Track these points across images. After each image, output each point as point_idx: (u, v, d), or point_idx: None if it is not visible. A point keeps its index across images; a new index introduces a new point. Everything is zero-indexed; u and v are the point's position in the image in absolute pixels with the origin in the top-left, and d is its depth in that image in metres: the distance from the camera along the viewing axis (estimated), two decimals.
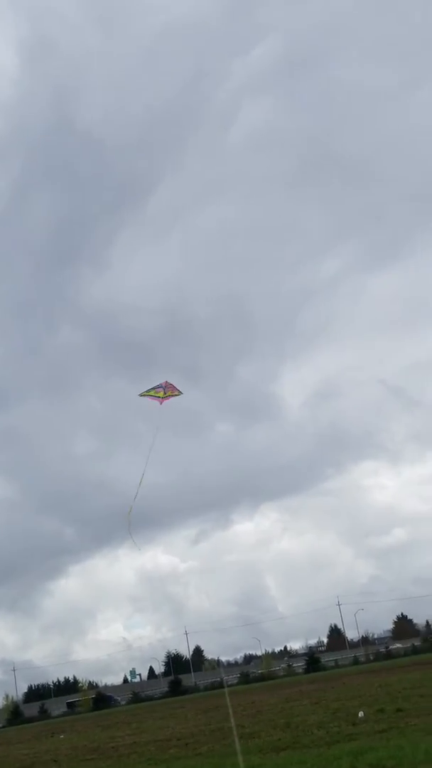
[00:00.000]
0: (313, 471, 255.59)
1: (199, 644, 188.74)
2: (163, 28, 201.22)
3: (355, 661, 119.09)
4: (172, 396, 24.06)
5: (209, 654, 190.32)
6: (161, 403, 23.59)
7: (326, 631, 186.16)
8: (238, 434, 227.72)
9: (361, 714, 25.67)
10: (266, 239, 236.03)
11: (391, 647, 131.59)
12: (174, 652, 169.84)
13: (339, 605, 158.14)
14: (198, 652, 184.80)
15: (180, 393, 24.24)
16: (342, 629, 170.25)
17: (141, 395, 24.29)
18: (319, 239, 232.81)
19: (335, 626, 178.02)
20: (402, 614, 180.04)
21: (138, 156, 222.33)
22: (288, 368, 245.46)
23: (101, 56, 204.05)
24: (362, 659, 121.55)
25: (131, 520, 22.95)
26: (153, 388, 24.21)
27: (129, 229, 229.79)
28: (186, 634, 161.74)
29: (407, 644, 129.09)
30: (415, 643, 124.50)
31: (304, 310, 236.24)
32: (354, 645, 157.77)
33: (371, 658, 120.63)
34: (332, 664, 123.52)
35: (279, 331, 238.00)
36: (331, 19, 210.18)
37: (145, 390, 24.36)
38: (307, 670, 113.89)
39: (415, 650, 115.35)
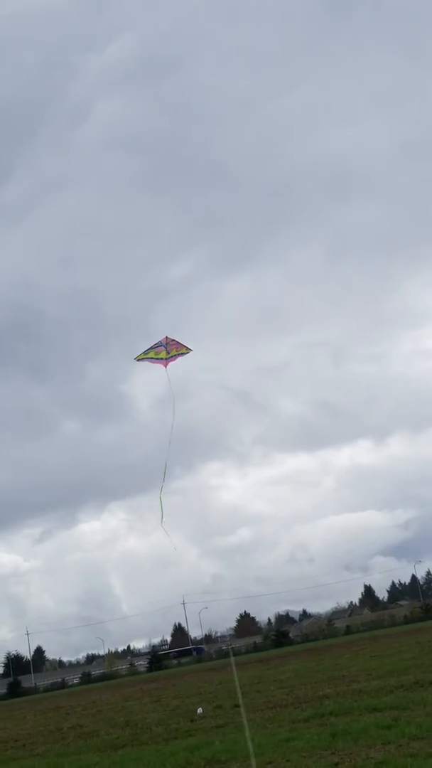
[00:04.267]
0: (161, 470, 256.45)
1: (41, 645, 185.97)
2: (14, 17, 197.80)
3: (198, 660, 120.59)
4: (179, 354, 20.09)
5: (51, 654, 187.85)
6: (166, 366, 19.71)
7: (170, 630, 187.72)
8: (86, 433, 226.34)
9: (199, 710, 26.09)
10: (118, 237, 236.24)
11: (232, 645, 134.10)
12: (14, 653, 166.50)
13: (184, 604, 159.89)
14: (39, 652, 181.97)
15: (189, 350, 20.28)
16: (186, 628, 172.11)
17: (138, 359, 20.45)
18: (171, 240, 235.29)
19: (179, 625, 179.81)
20: (245, 612, 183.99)
21: None
22: (138, 368, 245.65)
23: None
24: (204, 657, 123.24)
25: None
26: (152, 348, 20.31)
27: None
28: (27, 634, 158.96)
29: (249, 642, 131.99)
30: (256, 641, 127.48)
31: (156, 311, 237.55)
32: (197, 643, 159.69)
33: (213, 656, 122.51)
34: (175, 662, 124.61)
35: (130, 331, 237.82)
36: (188, 22, 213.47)
37: (142, 352, 20.42)
38: (150, 669, 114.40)
39: (255, 647, 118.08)
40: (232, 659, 62.27)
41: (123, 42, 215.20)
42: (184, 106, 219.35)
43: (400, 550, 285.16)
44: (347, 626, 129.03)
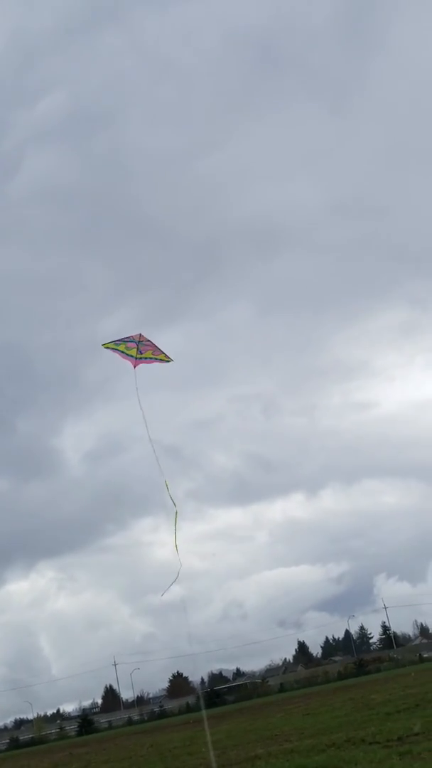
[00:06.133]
0: (93, 527, 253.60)
1: None
2: None
3: (130, 722, 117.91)
4: (156, 359, 18.14)
5: None
6: (135, 366, 17.79)
7: (101, 692, 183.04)
8: (13, 490, 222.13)
9: None
10: (48, 291, 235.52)
11: (165, 706, 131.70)
12: None
13: (115, 665, 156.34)
14: None
15: (169, 359, 18.36)
16: (117, 689, 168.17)
17: (105, 346, 18.32)
18: (101, 295, 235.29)
19: (110, 687, 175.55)
20: (178, 672, 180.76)
21: None
22: (69, 423, 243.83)
23: None
24: (136, 719, 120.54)
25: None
26: (122, 341, 18.18)
27: None
28: None
29: (182, 702, 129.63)
30: (189, 701, 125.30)
31: (87, 364, 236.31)
32: (129, 705, 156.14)
33: (145, 717, 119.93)
34: (106, 725, 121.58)
35: (61, 385, 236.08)
36: (119, 79, 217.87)
37: (112, 341, 18.37)
38: (80, 733, 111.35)
39: (188, 708, 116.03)
40: (204, 712, 58.30)
41: (54, 97, 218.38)
42: (114, 162, 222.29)
43: (333, 605, 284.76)
44: (281, 684, 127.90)
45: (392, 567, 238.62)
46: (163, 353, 18.53)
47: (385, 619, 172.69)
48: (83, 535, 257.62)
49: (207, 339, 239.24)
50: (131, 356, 18.10)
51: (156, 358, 18.41)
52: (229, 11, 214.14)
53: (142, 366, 18.10)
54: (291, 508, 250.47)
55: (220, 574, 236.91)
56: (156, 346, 18.55)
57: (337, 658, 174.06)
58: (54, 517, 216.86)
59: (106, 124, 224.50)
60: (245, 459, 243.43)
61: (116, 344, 18.36)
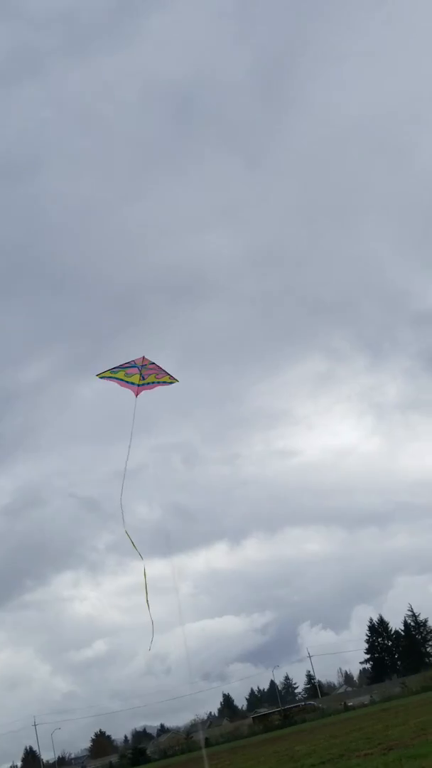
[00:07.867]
0: (10, 584, 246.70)
1: None
2: None
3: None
4: (159, 383, 16.48)
5: None
6: (137, 394, 16.17)
7: (21, 754, 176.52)
8: None
9: None
10: None
11: (87, 766, 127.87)
12: None
13: (35, 725, 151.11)
14: None
15: (174, 380, 16.70)
16: (38, 751, 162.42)
17: (101, 376, 16.51)
18: (20, 345, 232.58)
19: (30, 748, 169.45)
20: (100, 731, 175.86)
21: None
22: None
23: None
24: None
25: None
26: (122, 368, 16.48)
27: None
28: None
29: (105, 762, 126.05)
30: (112, 761, 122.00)
31: (5, 416, 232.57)
32: (50, 767, 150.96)
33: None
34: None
35: None
36: (39, 131, 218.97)
37: (109, 369, 16.42)
38: None
39: (111, 767, 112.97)
40: (204, 751, 55.04)
41: None
42: (33, 212, 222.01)
43: (257, 656, 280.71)
44: (206, 738, 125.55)
45: (316, 615, 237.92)
46: (168, 374, 17.40)
47: (310, 668, 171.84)
48: (1, 592, 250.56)
49: (127, 389, 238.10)
50: (132, 383, 17.01)
51: (159, 382, 17.30)
52: (149, 65, 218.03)
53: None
54: (214, 558, 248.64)
55: (144, 628, 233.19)
56: (160, 368, 17.32)
57: (262, 710, 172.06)
58: None
59: (25, 174, 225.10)
60: (168, 509, 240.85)
61: (113, 372, 17.13)
